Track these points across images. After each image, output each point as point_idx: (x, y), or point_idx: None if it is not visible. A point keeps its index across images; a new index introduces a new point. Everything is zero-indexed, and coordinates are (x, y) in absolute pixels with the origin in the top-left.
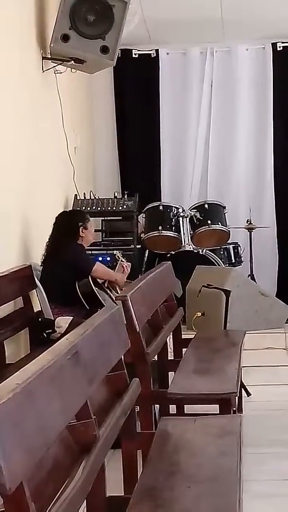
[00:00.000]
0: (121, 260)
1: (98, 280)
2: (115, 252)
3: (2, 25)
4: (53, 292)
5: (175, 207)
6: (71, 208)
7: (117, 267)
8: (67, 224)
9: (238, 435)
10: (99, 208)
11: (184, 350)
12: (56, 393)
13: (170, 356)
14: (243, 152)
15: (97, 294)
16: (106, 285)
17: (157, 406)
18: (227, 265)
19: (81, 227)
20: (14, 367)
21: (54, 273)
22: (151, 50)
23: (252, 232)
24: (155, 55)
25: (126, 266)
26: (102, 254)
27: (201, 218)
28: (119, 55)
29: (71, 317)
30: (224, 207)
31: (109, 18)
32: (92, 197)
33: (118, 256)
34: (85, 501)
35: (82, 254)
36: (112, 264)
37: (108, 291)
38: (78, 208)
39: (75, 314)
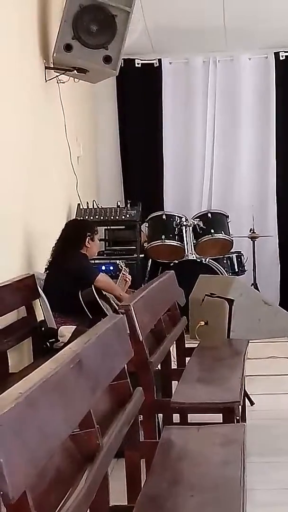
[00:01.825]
0: (123, 272)
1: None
2: (118, 262)
3: (5, 35)
4: (56, 301)
5: (178, 216)
6: (79, 217)
7: (119, 279)
8: (75, 233)
9: (242, 444)
10: (102, 217)
11: (187, 359)
12: (59, 402)
13: (174, 365)
14: (246, 161)
15: (100, 303)
16: (108, 295)
17: (160, 415)
18: (230, 274)
19: (88, 238)
20: (17, 376)
21: (57, 282)
22: (154, 60)
23: (255, 241)
24: (158, 64)
25: (127, 279)
26: (105, 263)
27: (204, 227)
28: (122, 65)
29: (75, 326)
30: (227, 216)
31: (111, 28)
32: (95, 207)
33: (121, 266)
34: (88, 510)
35: (85, 263)
36: (115, 273)
37: (111, 301)
38: (83, 218)
39: (78, 323)
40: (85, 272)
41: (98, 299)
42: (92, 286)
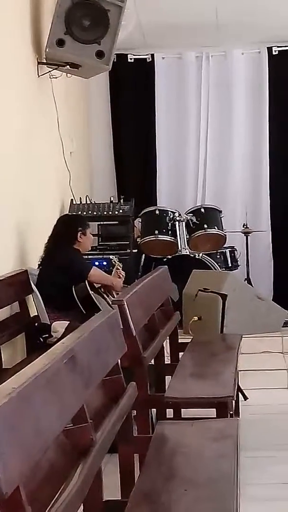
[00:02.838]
0: (117, 267)
1: (95, 284)
2: (111, 257)
3: None
4: (50, 297)
5: (171, 211)
6: (72, 212)
7: (113, 273)
8: (66, 228)
9: (235, 439)
10: (95, 213)
11: (180, 354)
12: (53, 397)
13: (167, 360)
14: (240, 156)
15: (94, 298)
16: (102, 290)
17: (154, 410)
18: (224, 269)
19: (80, 232)
20: (11, 372)
21: (50, 277)
22: (146, 55)
23: (248, 236)
24: (150, 59)
25: (121, 274)
26: (98, 258)
27: (197, 222)
28: (115, 60)
29: (68, 322)
30: (220, 211)
31: (104, 23)
32: (88, 202)
33: (114, 261)
34: (82, 505)
35: (78, 258)
36: (109, 268)
37: (105, 296)
38: (76, 213)
39: (72, 319)
40: (78, 267)
41: (91, 294)
42: (86, 281)
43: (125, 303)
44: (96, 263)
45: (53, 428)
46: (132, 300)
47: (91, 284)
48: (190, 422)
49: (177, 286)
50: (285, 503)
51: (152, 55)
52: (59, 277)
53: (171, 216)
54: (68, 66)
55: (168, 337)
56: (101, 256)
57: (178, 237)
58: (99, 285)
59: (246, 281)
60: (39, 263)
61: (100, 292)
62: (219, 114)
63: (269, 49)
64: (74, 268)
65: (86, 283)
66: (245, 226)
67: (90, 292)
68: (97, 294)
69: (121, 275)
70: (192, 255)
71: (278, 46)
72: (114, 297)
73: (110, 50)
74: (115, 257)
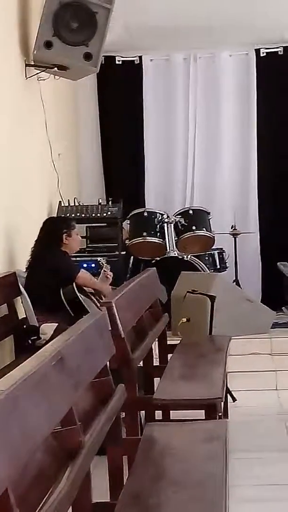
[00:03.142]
0: (104, 270)
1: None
2: (99, 259)
3: None
4: (38, 299)
5: (159, 213)
6: (60, 215)
7: (100, 275)
8: (51, 231)
9: (224, 440)
10: (83, 215)
11: (169, 356)
12: (41, 399)
13: (156, 362)
14: (228, 158)
15: (82, 300)
16: (90, 292)
17: (142, 412)
18: (212, 270)
19: (65, 234)
20: None
21: (38, 279)
22: (134, 57)
23: (236, 238)
24: (138, 61)
25: (109, 275)
26: (86, 260)
27: (186, 224)
28: (103, 62)
29: (56, 324)
30: (209, 213)
31: (92, 25)
32: (77, 204)
33: (102, 263)
34: (71, 508)
35: (65, 260)
36: (97, 270)
37: (93, 298)
38: (64, 215)
39: (60, 321)
40: (66, 270)
41: (79, 296)
42: (73, 283)
43: (114, 305)
44: (85, 265)
45: (41, 430)
46: (120, 302)
47: (79, 286)
48: (179, 424)
49: (166, 288)
50: (273, 504)
51: (140, 57)
52: (47, 279)
53: (159, 218)
54: (56, 68)
55: (156, 339)
56: (89, 258)
57: (167, 239)
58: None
59: (234, 282)
60: (26, 266)
61: (88, 294)
62: (208, 116)
63: (257, 51)
64: (61, 270)
65: (74, 285)
66: (233, 228)
67: (78, 294)
68: (85, 297)
69: (108, 276)
70: (180, 257)
71: (266, 48)
72: (102, 299)
73: (98, 52)
74: (103, 258)
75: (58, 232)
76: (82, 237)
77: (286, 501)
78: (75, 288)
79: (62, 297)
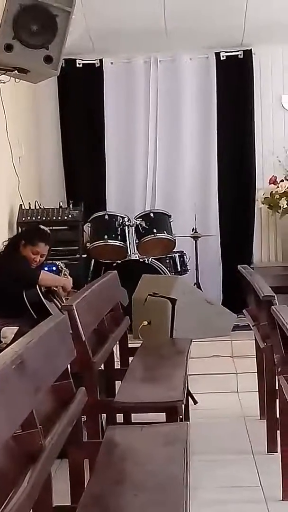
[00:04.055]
0: (64, 273)
1: (43, 289)
2: (57, 262)
3: None
4: (0, 304)
5: (120, 216)
6: (21, 218)
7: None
8: (13, 238)
9: (185, 443)
10: (44, 218)
11: (130, 359)
12: (1, 403)
13: (117, 365)
14: (189, 161)
15: (45, 303)
16: (51, 295)
17: (103, 415)
18: (173, 273)
19: (22, 242)
20: None
21: (0, 286)
22: (95, 60)
23: (197, 241)
24: (99, 64)
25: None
26: (47, 264)
27: (147, 227)
28: (63, 65)
29: (17, 327)
30: (170, 216)
31: (52, 28)
32: (37, 207)
33: (61, 267)
34: (31, 511)
35: (25, 264)
36: (57, 274)
37: (55, 300)
38: (30, 219)
39: (22, 324)
40: (27, 273)
41: (43, 299)
42: (37, 286)
43: (75, 308)
44: (46, 268)
45: (1, 433)
46: (81, 305)
47: (41, 289)
48: (140, 427)
49: (127, 291)
50: (234, 505)
51: (101, 60)
52: (8, 283)
53: (120, 221)
54: (16, 71)
55: (118, 342)
56: (50, 261)
57: (128, 242)
58: (47, 289)
59: (195, 285)
60: None
61: (50, 297)
62: (168, 119)
63: (217, 55)
64: (23, 274)
65: (37, 288)
66: (194, 231)
67: (42, 297)
68: (47, 300)
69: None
70: (141, 260)
71: (225, 52)
72: (63, 302)
73: (58, 55)
74: (62, 262)
75: (17, 239)
76: None
77: (247, 503)
78: (39, 291)
79: (25, 300)
